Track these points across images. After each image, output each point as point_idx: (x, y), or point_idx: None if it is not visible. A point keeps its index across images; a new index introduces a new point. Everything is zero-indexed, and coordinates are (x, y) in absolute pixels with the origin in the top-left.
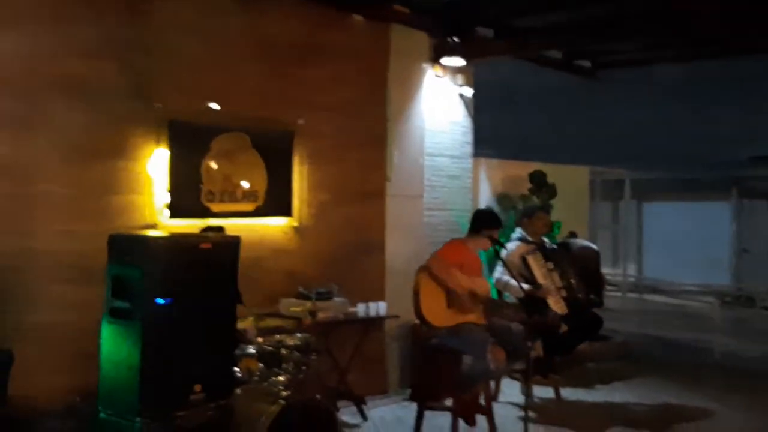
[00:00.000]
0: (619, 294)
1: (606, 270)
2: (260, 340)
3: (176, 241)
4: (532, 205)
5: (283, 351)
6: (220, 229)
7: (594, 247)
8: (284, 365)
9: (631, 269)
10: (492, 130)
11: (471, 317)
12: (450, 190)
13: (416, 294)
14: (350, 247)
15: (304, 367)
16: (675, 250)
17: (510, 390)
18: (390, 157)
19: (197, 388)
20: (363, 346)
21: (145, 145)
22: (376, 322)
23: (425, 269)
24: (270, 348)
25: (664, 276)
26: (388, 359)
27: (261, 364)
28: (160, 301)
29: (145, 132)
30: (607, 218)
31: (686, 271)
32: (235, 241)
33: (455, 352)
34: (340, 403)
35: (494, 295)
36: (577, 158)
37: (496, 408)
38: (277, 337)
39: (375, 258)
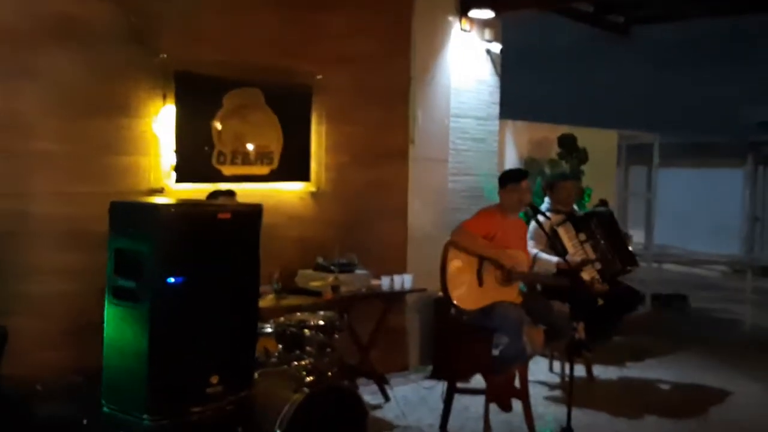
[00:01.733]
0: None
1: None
2: (281, 319)
3: (190, 210)
4: (554, 173)
5: (306, 332)
6: (230, 193)
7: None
8: (307, 347)
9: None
10: (518, 91)
11: (506, 295)
12: (476, 154)
13: (443, 272)
14: (371, 213)
15: (328, 350)
16: (685, 218)
17: (536, 367)
18: (414, 118)
19: (214, 379)
20: (385, 321)
21: (149, 101)
22: (399, 295)
23: (452, 243)
24: (292, 328)
25: (674, 243)
26: (410, 334)
27: (280, 345)
28: (171, 280)
29: (150, 85)
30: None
31: (696, 238)
32: (256, 211)
33: (487, 331)
34: (360, 381)
35: None
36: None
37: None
38: (298, 315)
39: (397, 225)
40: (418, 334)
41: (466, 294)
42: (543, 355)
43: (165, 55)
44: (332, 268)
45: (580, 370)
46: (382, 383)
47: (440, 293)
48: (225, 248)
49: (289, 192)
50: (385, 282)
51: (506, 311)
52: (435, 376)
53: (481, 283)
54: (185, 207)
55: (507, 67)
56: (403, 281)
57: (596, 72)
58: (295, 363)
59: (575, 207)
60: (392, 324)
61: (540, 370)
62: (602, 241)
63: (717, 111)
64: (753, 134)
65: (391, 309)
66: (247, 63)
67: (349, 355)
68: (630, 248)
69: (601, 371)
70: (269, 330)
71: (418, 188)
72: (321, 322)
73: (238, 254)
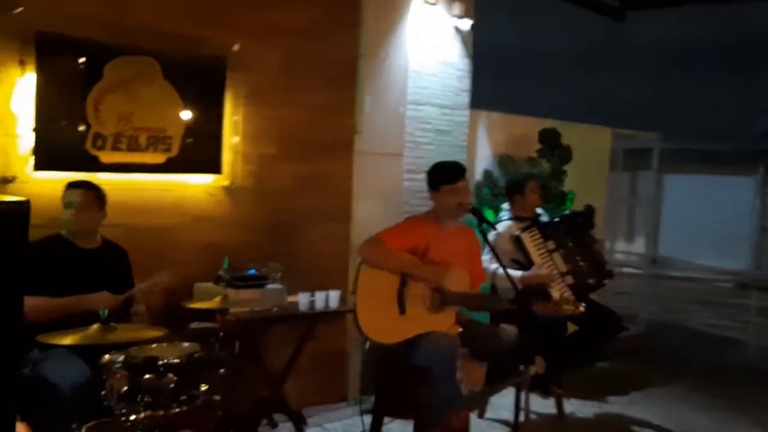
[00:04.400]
0: (639, 272)
1: (621, 248)
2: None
3: None
4: (515, 176)
5: (161, 367)
6: (87, 185)
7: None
8: (147, 395)
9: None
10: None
11: (438, 325)
12: (439, 149)
13: (354, 297)
14: (303, 216)
15: (186, 396)
16: (693, 227)
17: (501, 401)
18: (361, 103)
19: None
20: (312, 344)
21: (2, 67)
22: (329, 315)
23: (362, 259)
24: (134, 359)
25: (680, 254)
26: (351, 360)
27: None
28: None
29: (3, 47)
30: (625, 190)
31: (702, 250)
32: (21, 207)
33: (417, 368)
34: (278, 417)
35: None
36: (596, 118)
37: (481, 426)
38: (153, 346)
39: (337, 231)
40: (360, 360)
41: (383, 323)
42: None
43: (21, 8)
44: (235, 282)
45: (548, 405)
46: (298, 421)
47: None
48: None
49: (195, 186)
50: (303, 299)
51: (435, 342)
52: (375, 412)
53: (402, 310)
54: None
55: (489, 60)
56: (328, 298)
57: (594, 71)
58: (132, 416)
59: (539, 211)
60: (330, 348)
61: (505, 404)
62: (575, 250)
63: (727, 117)
64: (765, 143)
65: (325, 331)
66: (138, 25)
67: (262, 387)
68: (602, 257)
69: (576, 407)
70: (120, 360)
71: (364, 187)
72: (174, 360)
73: None
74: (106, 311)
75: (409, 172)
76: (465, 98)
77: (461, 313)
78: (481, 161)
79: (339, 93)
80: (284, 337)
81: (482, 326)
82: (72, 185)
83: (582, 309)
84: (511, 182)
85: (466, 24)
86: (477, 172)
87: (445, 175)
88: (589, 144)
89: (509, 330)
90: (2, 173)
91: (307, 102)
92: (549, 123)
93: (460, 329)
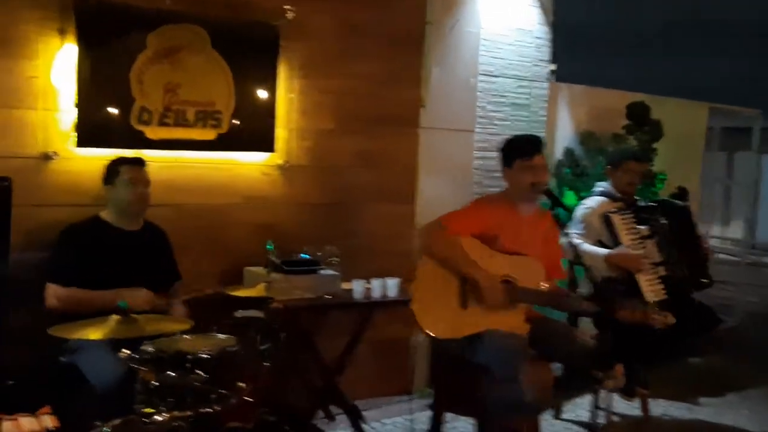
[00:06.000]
0: (735, 259)
1: (716, 233)
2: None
3: None
4: (620, 149)
5: (189, 363)
6: (137, 161)
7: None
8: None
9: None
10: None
11: (504, 322)
12: (514, 124)
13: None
14: (362, 196)
15: (215, 395)
16: None
17: (580, 399)
18: (427, 74)
19: None
20: (371, 332)
21: (40, 37)
22: (388, 304)
23: (422, 247)
24: (160, 353)
25: None
26: (414, 349)
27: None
28: None
29: (41, 16)
30: (721, 172)
31: None
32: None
33: (478, 367)
34: (336, 410)
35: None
36: (690, 93)
37: (556, 428)
38: (186, 338)
39: (400, 212)
40: (426, 350)
41: (441, 317)
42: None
43: None
44: (285, 267)
45: (634, 406)
46: (354, 416)
47: None
48: None
49: (247, 164)
50: (358, 288)
51: (499, 342)
52: (435, 408)
53: (465, 304)
54: None
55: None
56: (385, 286)
57: (689, 45)
58: (158, 417)
59: (638, 197)
60: (391, 336)
61: (584, 403)
62: (673, 240)
63: None
64: None
65: (381, 318)
66: None
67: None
68: (706, 259)
69: (663, 408)
70: (150, 350)
71: (430, 165)
72: (205, 355)
73: None
74: (125, 302)
75: (481, 150)
76: (544, 69)
77: (532, 309)
78: (562, 138)
79: (403, 63)
80: (340, 324)
81: (556, 325)
82: (128, 161)
83: (671, 321)
84: (610, 155)
85: None
86: (557, 151)
87: (519, 148)
88: (683, 120)
89: (586, 331)
90: (43, 149)
91: (367, 73)
92: (637, 97)
93: (529, 327)
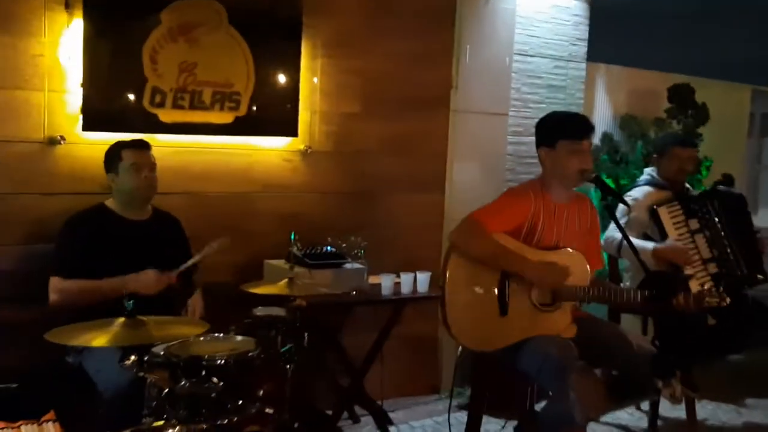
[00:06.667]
0: None
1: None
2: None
3: None
4: (667, 134)
5: (204, 370)
6: (141, 144)
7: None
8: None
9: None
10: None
11: (548, 326)
12: (550, 107)
13: (442, 292)
14: (390, 184)
15: (230, 405)
16: None
17: None
18: (459, 53)
19: None
20: (398, 329)
21: (45, 13)
22: (417, 300)
23: (453, 247)
24: (173, 357)
25: None
26: (444, 348)
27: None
28: None
29: None
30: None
31: None
32: None
33: (522, 373)
34: (360, 412)
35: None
36: (732, 75)
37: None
38: (200, 339)
39: (429, 201)
40: (455, 348)
41: (478, 326)
42: None
43: None
44: (308, 260)
45: (677, 410)
46: (381, 419)
47: None
48: None
49: (267, 150)
50: (386, 282)
51: (543, 351)
52: (471, 409)
53: (504, 310)
54: None
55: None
56: (416, 281)
57: (732, 25)
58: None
59: (689, 186)
60: (420, 333)
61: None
62: (723, 234)
63: None
64: None
65: (410, 314)
66: None
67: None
68: (762, 252)
69: (709, 411)
70: (160, 353)
71: (462, 151)
72: (221, 361)
73: None
74: (132, 301)
75: (515, 135)
76: (582, 48)
77: (577, 308)
78: (600, 122)
79: (433, 42)
80: (366, 320)
81: (607, 327)
82: (130, 145)
83: (728, 302)
84: (656, 141)
85: None
86: (594, 136)
87: (567, 128)
88: (726, 104)
89: (639, 334)
90: (49, 133)
91: (395, 52)
92: (679, 79)
93: (576, 329)
